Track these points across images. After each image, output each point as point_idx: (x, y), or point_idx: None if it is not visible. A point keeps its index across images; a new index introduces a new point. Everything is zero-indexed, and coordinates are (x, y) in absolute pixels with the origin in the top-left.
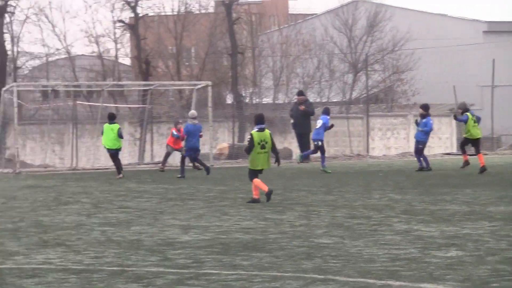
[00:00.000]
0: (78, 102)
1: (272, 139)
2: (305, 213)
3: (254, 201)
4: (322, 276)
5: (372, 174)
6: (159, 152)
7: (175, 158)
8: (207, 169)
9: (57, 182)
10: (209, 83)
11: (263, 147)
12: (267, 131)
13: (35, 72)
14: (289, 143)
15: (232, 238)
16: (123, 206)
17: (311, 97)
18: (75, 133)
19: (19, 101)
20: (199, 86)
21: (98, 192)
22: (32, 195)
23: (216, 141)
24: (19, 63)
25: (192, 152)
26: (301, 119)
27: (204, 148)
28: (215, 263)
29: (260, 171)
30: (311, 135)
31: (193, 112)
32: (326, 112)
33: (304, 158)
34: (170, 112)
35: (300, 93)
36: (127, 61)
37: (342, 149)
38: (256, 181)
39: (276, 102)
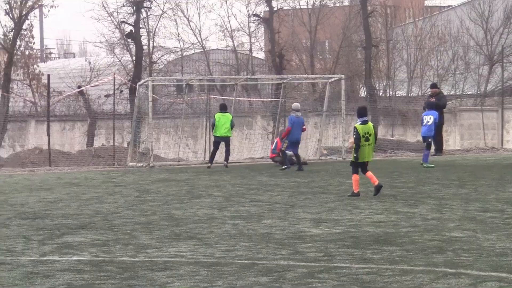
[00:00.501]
0: (211, 96)
1: (375, 132)
2: (437, 206)
3: (354, 195)
4: (453, 270)
5: (506, 167)
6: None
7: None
8: (288, 167)
9: (189, 175)
10: (343, 76)
11: (367, 139)
12: (370, 124)
13: (170, 67)
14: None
15: (363, 232)
16: (254, 199)
17: (445, 90)
18: (208, 127)
19: (153, 95)
20: (333, 79)
21: (230, 185)
22: (165, 189)
23: (349, 134)
24: (154, 57)
25: (293, 146)
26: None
27: (337, 141)
28: (345, 257)
29: (364, 163)
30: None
31: (296, 104)
32: (435, 106)
33: (425, 161)
34: (302, 105)
35: (434, 85)
36: (261, 55)
37: (476, 142)
38: (355, 176)
39: (410, 95)
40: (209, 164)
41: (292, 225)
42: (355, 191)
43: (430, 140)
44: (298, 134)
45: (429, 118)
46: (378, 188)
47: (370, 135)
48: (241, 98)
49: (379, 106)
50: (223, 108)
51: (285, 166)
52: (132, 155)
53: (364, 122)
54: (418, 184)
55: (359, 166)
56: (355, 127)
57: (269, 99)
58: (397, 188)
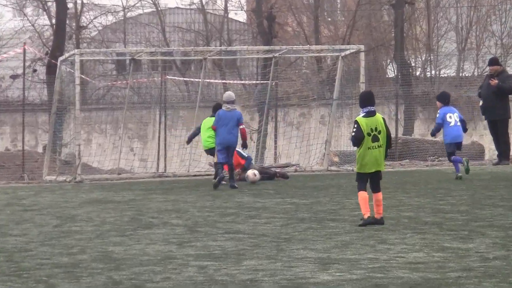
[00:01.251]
0: (168, 77)
1: (387, 127)
2: (502, 240)
3: (366, 222)
4: None
5: None
6: (287, 150)
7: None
8: (218, 180)
9: (135, 195)
10: (362, 47)
11: (375, 138)
12: (378, 116)
13: (107, 34)
14: (480, 135)
15: (392, 278)
16: (231, 230)
17: None
18: (163, 123)
19: (82, 76)
20: (347, 52)
21: (196, 209)
22: (99, 215)
23: None
24: (83, 20)
25: (220, 151)
26: (494, 99)
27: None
28: None
29: (375, 175)
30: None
31: (229, 93)
32: (497, 90)
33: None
34: (303, 90)
35: (494, 61)
36: (241, 16)
37: None
38: (362, 194)
39: (462, 75)
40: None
41: (287, 268)
42: (365, 216)
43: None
44: (228, 134)
45: (455, 116)
46: (378, 223)
47: (379, 132)
48: (212, 80)
49: (416, 91)
50: (217, 108)
51: (218, 178)
52: (51, 164)
53: (370, 114)
54: (473, 207)
55: (365, 179)
56: (355, 121)
57: (254, 82)
58: (442, 213)
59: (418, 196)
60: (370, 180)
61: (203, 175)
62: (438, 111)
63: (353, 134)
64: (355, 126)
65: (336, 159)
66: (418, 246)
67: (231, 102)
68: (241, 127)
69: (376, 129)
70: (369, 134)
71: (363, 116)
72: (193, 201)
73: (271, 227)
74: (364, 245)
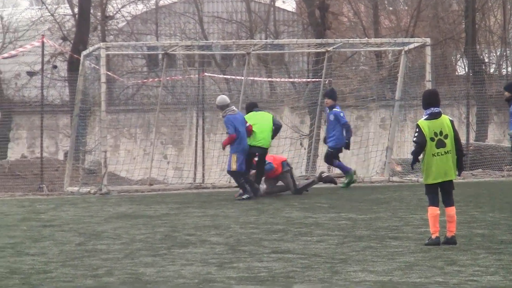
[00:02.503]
0: (206, 74)
1: (455, 131)
2: None
3: (433, 242)
4: None
5: None
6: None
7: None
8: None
9: (169, 208)
10: (428, 40)
11: (440, 144)
12: (445, 118)
13: (136, 26)
14: None
15: None
16: (279, 249)
17: None
18: (201, 126)
19: (109, 72)
20: (411, 47)
21: (238, 225)
22: (128, 231)
23: None
24: (110, 9)
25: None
26: None
27: None
28: None
29: (443, 185)
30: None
31: (223, 97)
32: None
33: None
34: (360, 90)
35: None
36: (289, 5)
37: None
38: (431, 210)
39: None
40: (245, 194)
41: None
42: (433, 236)
43: None
44: (245, 137)
45: None
46: (450, 242)
47: (445, 136)
48: (256, 78)
49: (490, 91)
50: (253, 106)
51: (246, 196)
52: (73, 173)
53: (433, 116)
54: None
55: (435, 191)
56: (417, 125)
57: (304, 80)
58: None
59: (492, 211)
60: (441, 192)
61: None
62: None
63: (414, 139)
64: (417, 130)
65: (398, 168)
66: (493, 268)
67: (229, 104)
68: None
69: (441, 133)
70: (432, 139)
71: (425, 119)
72: (235, 216)
73: (324, 246)
74: (431, 267)
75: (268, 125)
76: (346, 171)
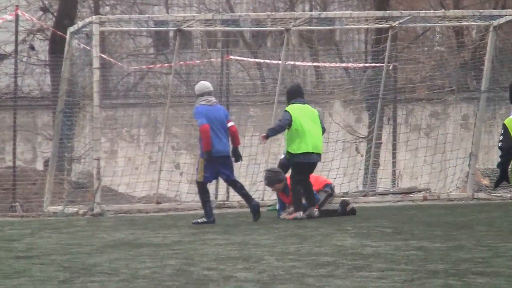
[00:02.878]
0: (232, 57)
1: None
2: None
3: None
4: None
5: None
6: (412, 168)
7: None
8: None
9: (183, 234)
10: None
11: None
12: None
13: None
14: None
15: None
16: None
17: None
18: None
19: (103, 55)
20: (502, 21)
21: (274, 256)
22: (128, 265)
23: None
24: None
25: (213, 167)
26: None
27: None
28: None
29: None
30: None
31: (203, 84)
32: None
33: None
34: (434, 78)
35: None
36: None
37: None
38: None
39: None
40: (297, 215)
41: None
42: None
43: None
44: (222, 139)
45: None
46: None
47: None
48: (298, 63)
49: None
50: (298, 95)
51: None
52: (56, 188)
53: None
54: None
55: None
56: (503, 125)
57: (361, 65)
58: None
59: None
60: None
61: None
62: None
63: (499, 145)
64: (502, 131)
65: (486, 181)
66: None
67: (210, 93)
68: (230, 124)
69: None
70: None
71: None
72: (270, 244)
73: (387, 285)
74: None
75: (318, 124)
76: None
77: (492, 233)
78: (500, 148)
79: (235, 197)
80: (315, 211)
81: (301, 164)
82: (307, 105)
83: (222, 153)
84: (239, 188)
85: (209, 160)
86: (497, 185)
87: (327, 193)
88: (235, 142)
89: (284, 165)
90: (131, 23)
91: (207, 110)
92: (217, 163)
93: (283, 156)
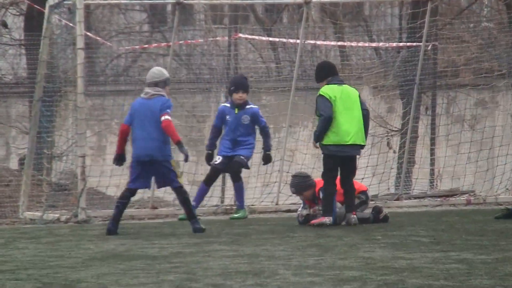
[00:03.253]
0: (241, 35)
1: None
2: None
3: None
4: None
5: None
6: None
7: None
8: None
9: (183, 245)
10: None
11: None
12: None
13: None
14: None
15: None
16: None
17: None
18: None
19: (89, 33)
20: None
21: (290, 270)
22: (118, 280)
23: None
24: None
25: (138, 171)
26: None
27: None
28: None
29: None
30: None
31: (157, 70)
32: None
33: None
34: (482, 60)
35: None
36: None
37: None
38: None
39: None
40: (325, 220)
41: None
42: None
43: None
44: (147, 142)
45: None
46: None
47: None
48: (320, 42)
49: None
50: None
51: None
52: (33, 191)
53: None
54: None
55: None
56: None
57: (394, 44)
58: None
59: None
60: None
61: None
62: None
63: None
64: None
65: None
66: None
67: (157, 83)
68: (164, 118)
69: None
70: None
71: None
72: (286, 256)
73: None
74: None
75: (358, 109)
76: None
77: None
78: None
79: (246, 201)
80: (353, 218)
81: (334, 158)
82: (345, 84)
83: (143, 157)
84: (181, 201)
85: (132, 163)
86: None
87: (361, 199)
88: (173, 139)
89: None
90: None
91: (139, 105)
92: (146, 169)
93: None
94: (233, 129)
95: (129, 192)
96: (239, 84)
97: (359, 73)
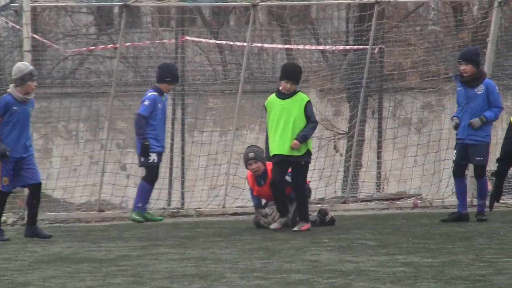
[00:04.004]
0: (188, 37)
1: None
2: None
3: None
4: None
5: None
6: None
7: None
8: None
9: (130, 248)
10: None
11: None
12: None
13: None
14: None
15: None
16: None
17: None
18: (179, 119)
19: (36, 36)
20: None
21: (237, 274)
22: (65, 284)
23: None
24: None
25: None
26: None
27: None
28: None
29: None
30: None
31: (15, 66)
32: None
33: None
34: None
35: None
36: None
37: None
38: None
39: None
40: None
41: None
42: None
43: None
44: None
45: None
46: None
47: None
48: (267, 45)
49: None
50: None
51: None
52: None
53: None
54: None
55: None
56: (510, 122)
57: (341, 47)
58: None
59: None
60: None
61: (249, 213)
62: None
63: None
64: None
65: (489, 185)
66: None
67: (13, 81)
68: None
69: None
70: None
71: None
72: (233, 259)
73: None
74: None
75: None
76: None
77: (493, 246)
78: (497, 161)
79: (191, 204)
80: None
81: None
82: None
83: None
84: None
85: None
86: (491, 206)
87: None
88: None
89: None
90: None
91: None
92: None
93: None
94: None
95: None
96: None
97: (305, 76)
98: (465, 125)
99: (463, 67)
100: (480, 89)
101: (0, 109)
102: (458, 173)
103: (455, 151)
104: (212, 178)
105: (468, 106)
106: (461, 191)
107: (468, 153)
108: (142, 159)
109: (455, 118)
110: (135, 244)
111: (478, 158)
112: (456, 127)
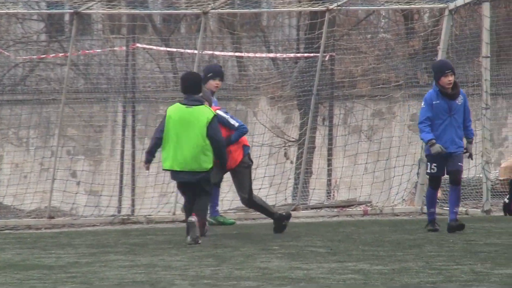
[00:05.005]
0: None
1: None
2: None
3: None
4: None
5: None
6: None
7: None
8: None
9: (79, 255)
10: None
11: None
12: None
13: None
14: None
15: None
16: None
17: None
18: (130, 126)
19: None
20: (460, 3)
21: (187, 281)
22: None
23: None
24: None
25: None
26: None
27: None
28: None
29: None
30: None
31: None
32: None
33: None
34: (379, 69)
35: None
36: None
37: None
38: None
39: None
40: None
41: None
42: None
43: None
44: None
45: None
46: None
47: None
48: (217, 53)
49: None
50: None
51: None
52: None
53: None
54: None
55: None
56: None
57: (291, 55)
58: None
59: None
60: None
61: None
62: None
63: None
64: None
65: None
66: None
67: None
68: None
69: None
70: None
71: None
72: (182, 266)
73: None
74: None
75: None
76: None
77: (443, 253)
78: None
79: (141, 211)
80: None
81: None
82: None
83: None
84: None
85: None
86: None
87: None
88: None
89: None
90: (19, 4)
91: None
92: None
93: None
94: None
95: None
96: None
97: (256, 84)
98: (452, 138)
99: (450, 78)
100: (460, 100)
101: None
102: (439, 184)
103: (434, 164)
104: (163, 185)
105: (453, 118)
106: (434, 200)
107: (447, 162)
108: None
109: (433, 141)
110: (85, 251)
111: (460, 164)
112: (439, 153)
